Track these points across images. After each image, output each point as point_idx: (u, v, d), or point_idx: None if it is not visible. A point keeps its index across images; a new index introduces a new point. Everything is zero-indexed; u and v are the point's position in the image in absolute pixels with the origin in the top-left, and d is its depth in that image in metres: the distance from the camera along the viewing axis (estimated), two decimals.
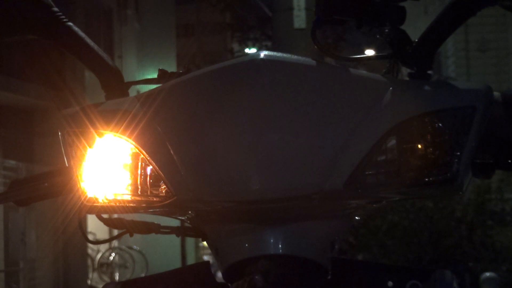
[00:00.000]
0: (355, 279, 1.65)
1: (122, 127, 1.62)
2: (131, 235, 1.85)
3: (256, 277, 1.50)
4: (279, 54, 1.64)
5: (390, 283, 1.62)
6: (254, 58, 1.64)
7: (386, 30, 1.66)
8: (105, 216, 1.79)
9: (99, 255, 14.36)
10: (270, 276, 1.51)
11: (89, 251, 13.83)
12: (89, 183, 1.65)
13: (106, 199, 1.64)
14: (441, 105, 1.54)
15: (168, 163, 1.57)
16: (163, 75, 1.87)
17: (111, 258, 14.54)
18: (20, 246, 11.45)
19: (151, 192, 1.61)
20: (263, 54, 1.63)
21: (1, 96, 9.96)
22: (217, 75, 1.65)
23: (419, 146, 1.54)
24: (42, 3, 1.73)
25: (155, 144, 1.59)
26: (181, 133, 1.60)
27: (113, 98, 1.83)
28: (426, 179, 1.54)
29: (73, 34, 1.77)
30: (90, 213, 1.70)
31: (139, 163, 1.62)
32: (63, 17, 1.76)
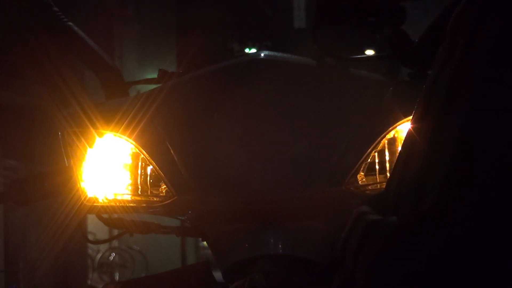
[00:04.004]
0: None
1: (122, 127, 1.62)
2: (131, 235, 1.85)
3: (256, 277, 1.50)
4: (279, 54, 1.64)
5: None
6: (254, 58, 1.64)
7: (386, 30, 1.66)
8: (105, 216, 1.79)
9: (99, 255, 14.34)
10: (270, 276, 1.51)
11: (89, 251, 13.81)
12: (89, 183, 1.65)
13: (106, 199, 1.64)
14: None
15: (169, 163, 1.57)
16: (163, 75, 1.87)
17: (111, 258, 14.52)
18: (20, 246, 11.43)
19: (151, 192, 1.62)
20: (263, 54, 1.64)
21: (1, 96, 9.95)
22: (217, 75, 1.65)
23: None
24: (42, 3, 1.73)
25: (155, 144, 1.60)
26: (181, 133, 1.60)
27: (113, 98, 1.83)
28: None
29: (73, 34, 1.78)
30: (90, 213, 1.70)
31: (140, 163, 1.62)
32: (63, 17, 1.77)
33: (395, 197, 0.91)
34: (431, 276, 0.81)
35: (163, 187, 1.59)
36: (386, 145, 1.53)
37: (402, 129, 1.54)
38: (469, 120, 0.83)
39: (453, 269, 0.80)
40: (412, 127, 0.94)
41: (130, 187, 1.63)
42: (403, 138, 1.54)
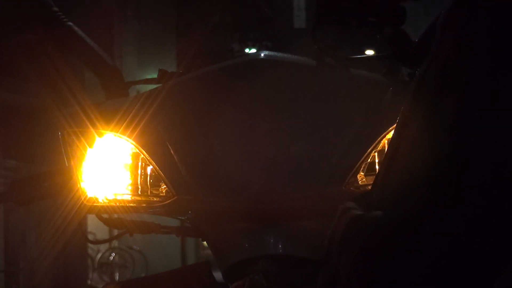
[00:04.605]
0: None
1: (122, 127, 1.62)
2: (131, 235, 1.85)
3: (256, 277, 1.50)
4: (279, 54, 1.64)
5: None
6: (254, 58, 1.64)
7: (386, 30, 1.66)
8: (105, 216, 1.79)
9: (99, 255, 14.33)
10: (270, 276, 1.51)
11: (89, 251, 13.81)
12: (89, 183, 1.65)
13: (106, 199, 1.64)
14: None
15: (169, 163, 1.57)
16: (163, 75, 1.87)
17: (111, 258, 14.52)
18: (20, 246, 11.43)
19: (151, 192, 1.62)
20: (263, 54, 1.64)
21: (1, 96, 9.95)
22: (217, 75, 1.65)
23: None
24: (42, 3, 1.73)
25: (155, 144, 1.60)
26: (181, 133, 1.60)
27: (113, 98, 1.83)
28: None
29: (73, 34, 1.78)
30: (90, 213, 1.70)
31: (140, 163, 1.62)
32: (63, 17, 1.77)
33: (380, 194, 0.92)
34: (413, 272, 0.81)
35: (163, 187, 1.59)
36: (386, 145, 1.53)
37: None
38: (455, 119, 0.83)
39: (436, 265, 0.80)
40: (399, 124, 0.94)
41: (130, 187, 1.63)
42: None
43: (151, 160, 1.59)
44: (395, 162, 0.91)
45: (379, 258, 0.83)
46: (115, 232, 1.97)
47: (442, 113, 0.85)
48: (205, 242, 1.78)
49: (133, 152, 1.62)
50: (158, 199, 1.60)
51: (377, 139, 1.53)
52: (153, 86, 1.72)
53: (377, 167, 1.53)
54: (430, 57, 0.91)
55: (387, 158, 0.95)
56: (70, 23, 1.77)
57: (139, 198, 1.62)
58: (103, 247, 14.28)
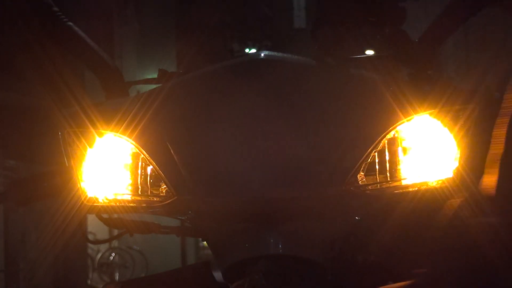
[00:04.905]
0: (355, 279, 1.65)
1: (122, 127, 1.62)
2: (131, 235, 1.86)
3: (256, 277, 1.50)
4: (279, 54, 1.64)
5: (390, 283, 1.62)
6: (254, 58, 1.64)
7: (386, 30, 1.67)
8: (105, 216, 1.79)
9: (99, 255, 14.34)
10: (270, 276, 1.51)
11: (89, 251, 13.81)
12: (89, 183, 1.65)
13: (106, 199, 1.64)
14: (441, 105, 1.54)
15: (169, 163, 1.57)
16: (163, 75, 1.87)
17: (111, 258, 14.52)
18: (20, 246, 11.42)
19: (151, 192, 1.62)
20: (263, 54, 1.64)
21: (1, 96, 9.95)
22: (217, 75, 1.65)
23: (420, 146, 1.54)
24: (42, 3, 1.73)
25: (155, 144, 1.60)
26: (181, 133, 1.60)
27: (113, 98, 1.83)
28: (427, 179, 1.54)
29: (73, 34, 1.78)
30: (90, 213, 1.71)
31: (140, 163, 1.62)
32: (63, 17, 1.77)
33: (491, 197, 0.90)
34: None
35: (163, 187, 1.59)
36: (386, 145, 1.53)
37: (402, 129, 1.54)
38: None
39: None
40: (498, 126, 0.91)
41: (130, 187, 1.63)
42: (404, 138, 1.55)
43: (151, 160, 1.59)
44: (504, 165, 0.88)
45: (499, 266, 0.81)
46: (115, 232, 1.97)
47: None
48: (205, 242, 1.78)
49: (133, 152, 1.62)
50: (158, 199, 1.60)
51: (377, 139, 1.53)
52: (153, 86, 1.72)
53: (377, 167, 1.53)
54: None
55: (494, 160, 0.92)
56: (70, 23, 1.77)
57: (139, 198, 1.62)
58: (103, 247, 14.29)
